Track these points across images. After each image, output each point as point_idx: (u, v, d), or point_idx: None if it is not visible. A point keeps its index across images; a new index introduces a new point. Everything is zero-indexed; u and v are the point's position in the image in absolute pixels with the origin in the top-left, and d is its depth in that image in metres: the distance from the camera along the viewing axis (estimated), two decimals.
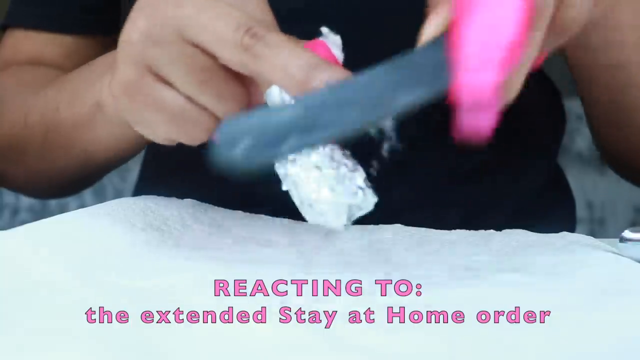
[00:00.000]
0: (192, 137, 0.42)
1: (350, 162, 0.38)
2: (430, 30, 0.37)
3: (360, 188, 0.38)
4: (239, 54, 0.38)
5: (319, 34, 0.41)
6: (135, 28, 0.41)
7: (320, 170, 0.38)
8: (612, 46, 0.57)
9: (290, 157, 0.39)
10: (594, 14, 0.40)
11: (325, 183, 0.38)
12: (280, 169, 0.39)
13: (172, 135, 0.42)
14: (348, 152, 0.39)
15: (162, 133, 0.42)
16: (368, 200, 0.38)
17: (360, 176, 0.38)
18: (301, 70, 0.37)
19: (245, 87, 0.41)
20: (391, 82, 0.36)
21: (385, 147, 0.37)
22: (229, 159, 0.36)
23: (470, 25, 0.34)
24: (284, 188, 0.40)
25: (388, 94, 0.36)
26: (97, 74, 0.52)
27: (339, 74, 0.37)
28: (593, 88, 0.61)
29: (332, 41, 0.41)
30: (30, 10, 0.68)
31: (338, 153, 0.38)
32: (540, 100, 0.68)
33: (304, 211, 0.39)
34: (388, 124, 0.37)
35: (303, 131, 0.35)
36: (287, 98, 0.40)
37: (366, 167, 0.39)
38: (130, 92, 0.41)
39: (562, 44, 0.40)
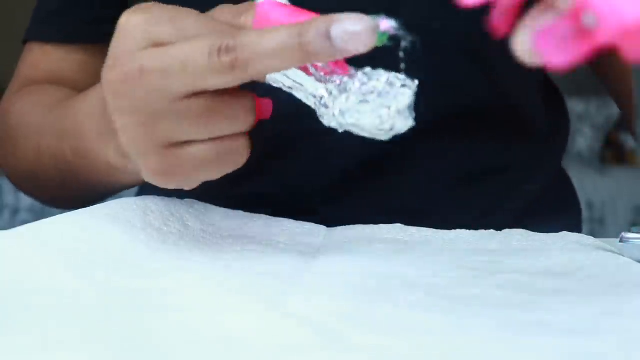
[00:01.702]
0: (237, 164, 0.43)
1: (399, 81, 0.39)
2: None
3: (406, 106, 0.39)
4: (227, 75, 0.38)
5: None
6: (126, 127, 0.41)
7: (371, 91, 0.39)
8: None
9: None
10: None
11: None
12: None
13: (221, 174, 0.43)
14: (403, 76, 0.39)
15: (213, 177, 0.43)
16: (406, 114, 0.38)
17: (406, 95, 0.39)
18: (293, 44, 0.37)
19: (242, 92, 0.42)
20: None
21: (403, 45, 0.37)
22: None
23: None
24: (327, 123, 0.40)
25: None
26: (94, 141, 0.50)
27: (322, 22, 0.37)
28: None
29: None
30: (46, 26, 0.69)
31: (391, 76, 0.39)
32: (545, 103, 0.68)
33: (345, 120, 0.39)
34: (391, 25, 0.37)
35: None
36: (285, 80, 0.41)
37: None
38: (167, 172, 0.42)
39: None
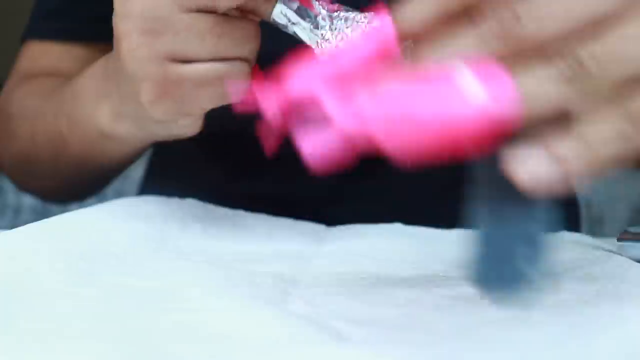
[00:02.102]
0: (237, 91, 0.42)
1: None
2: None
3: None
4: None
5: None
6: (130, 34, 0.41)
7: None
8: None
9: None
10: None
11: None
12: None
13: (220, 102, 0.43)
14: None
15: (211, 103, 0.43)
16: None
17: None
18: None
19: (249, 19, 0.42)
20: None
21: None
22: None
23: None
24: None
25: None
26: (90, 101, 0.51)
27: None
28: None
29: None
30: (46, 24, 0.69)
31: None
32: None
33: None
34: None
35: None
36: (291, 15, 0.41)
37: None
38: (165, 88, 0.42)
39: None
